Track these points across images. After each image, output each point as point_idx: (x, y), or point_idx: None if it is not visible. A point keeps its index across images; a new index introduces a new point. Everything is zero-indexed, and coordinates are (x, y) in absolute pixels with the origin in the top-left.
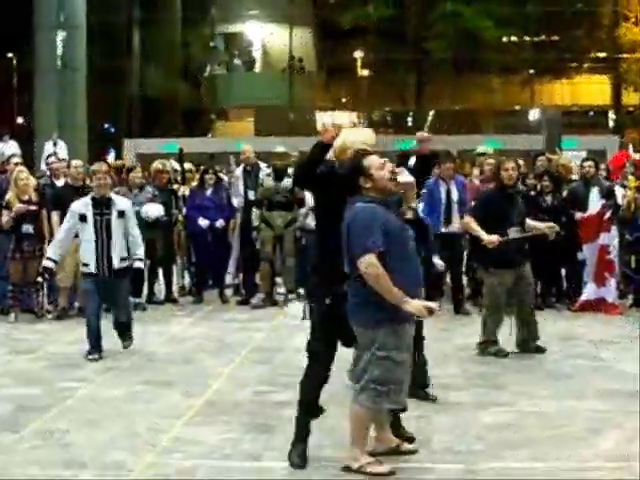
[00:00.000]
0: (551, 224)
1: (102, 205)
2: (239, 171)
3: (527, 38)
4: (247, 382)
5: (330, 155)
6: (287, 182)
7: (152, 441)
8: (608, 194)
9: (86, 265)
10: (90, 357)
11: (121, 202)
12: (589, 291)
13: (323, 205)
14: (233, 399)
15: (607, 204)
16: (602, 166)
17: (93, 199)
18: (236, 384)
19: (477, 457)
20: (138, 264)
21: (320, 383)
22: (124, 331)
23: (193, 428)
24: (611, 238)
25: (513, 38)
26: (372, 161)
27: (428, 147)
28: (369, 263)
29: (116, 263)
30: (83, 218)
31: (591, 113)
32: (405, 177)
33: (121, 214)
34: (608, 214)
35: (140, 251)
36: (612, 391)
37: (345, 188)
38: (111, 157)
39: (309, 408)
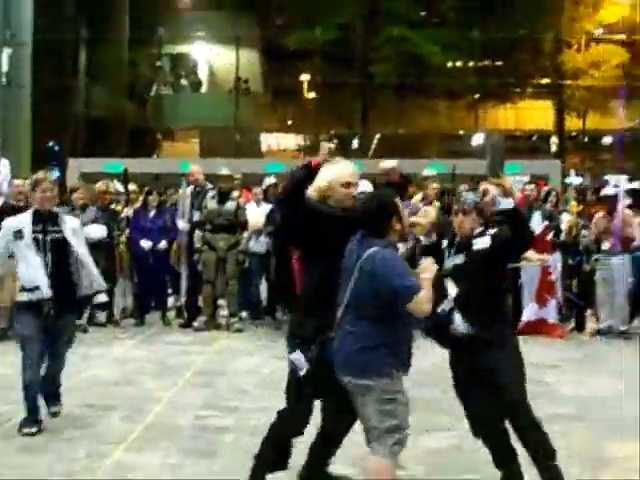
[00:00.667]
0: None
1: (46, 221)
2: (188, 192)
3: (472, 63)
4: (188, 406)
5: (311, 193)
6: (231, 204)
7: (91, 467)
8: (550, 217)
9: (25, 291)
10: (26, 430)
11: (71, 219)
12: (530, 312)
13: (312, 240)
14: (174, 423)
15: (549, 225)
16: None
17: (35, 213)
18: (177, 408)
19: None
20: (101, 298)
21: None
22: (55, 390)
23: (134, 453)
24: (554, 261)
25: (458, 63)
26: (400, 202)
27: (397, 174)
28: (420, 302)
29: (65, 292)
30: (19, 235)
31: (534, 138)
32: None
33: (73, 232)
34: (550, 235)
35: (101, 281)
36: (555, 415)
37: (357, 227)
38: (54, 176)
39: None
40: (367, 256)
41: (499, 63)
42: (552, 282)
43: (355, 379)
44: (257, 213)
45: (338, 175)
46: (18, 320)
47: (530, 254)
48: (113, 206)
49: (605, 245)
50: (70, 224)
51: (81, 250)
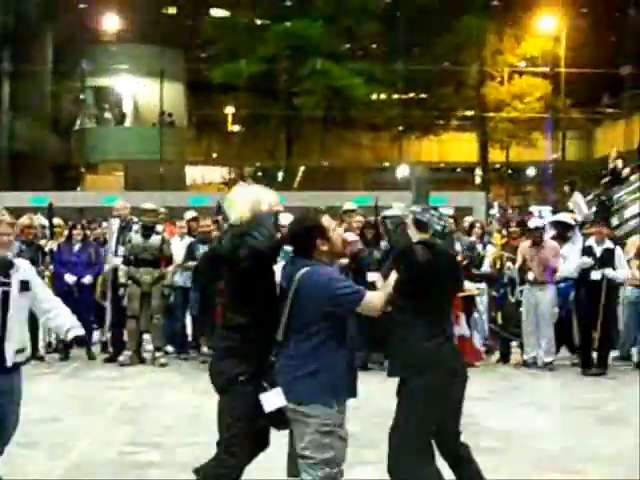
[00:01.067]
0: None
1: None
2: (115, 226)
3: (395, 96)
4: (113, 442)
5: (238, 214)
6: (155, 239)
7: None
8: (469, 249)
9: None
10: None
11: (25, 266)
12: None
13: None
14: (98, 460)
15: (467, 255)
16: (469, 220)
17: None
18: (102, 444)
19: None
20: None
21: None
22: None
23: None
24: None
25: (382, 96)
26: (329, 222)
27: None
28: (369, 302)
29: (10, 356)
30: None
31: (458, 170)
32: (351, 236)
33: (24, 286)
34: (465, 262)
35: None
36: (480, 448)
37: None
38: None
39: None
40: (299, 276)
41: (423, 95)
42: (459, 300)
43: (294, 406)
44: (181, 247)
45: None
46: None
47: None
48: (37, 241)
49: (530, 276)
50: (22, 273)
51: (40, 297)
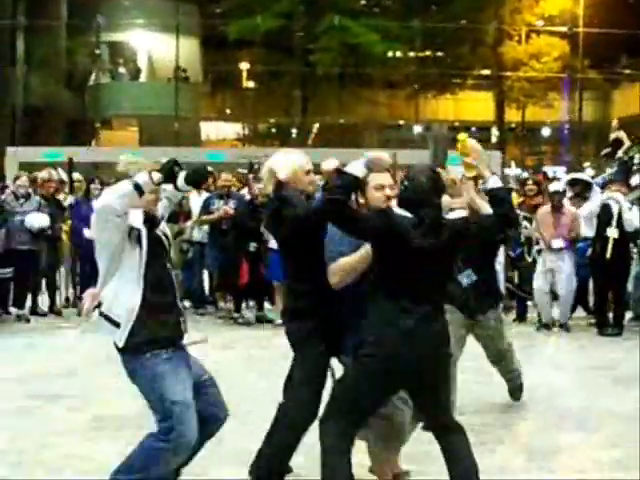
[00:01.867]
0: None
1: None
2: None
3: (412, 53)
4: (134, 395)
5: (285, 176)
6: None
7: (40, 457)
8: None
9: None
10: None
11: None
12: None
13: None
14: (122, 413)
15: None
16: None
17: None
18: (123, 398)
19: None
20: None
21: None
22: None
23: (81, 443)
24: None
25: (398, 53)
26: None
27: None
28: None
29: None
30: None
31: (474, 129)
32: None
33: None
34: None
35: None
36: (498, 405)
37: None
38: None
39: None
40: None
41: (439, 54)
42: None
43: None
44: (199, 202)
45: (299, 164)
46: None
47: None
48: (57, 195)
49: (552, 244)
50: None
51: None
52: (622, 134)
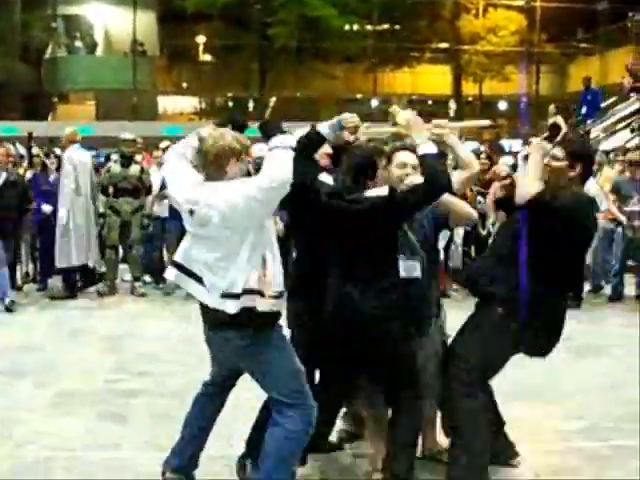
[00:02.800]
0: None
1: None
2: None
3: (369, 27)
4: (98, 370)
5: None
6: (134, 168)
7: (6, 433)
8: None
9: None
10: None
11: None
12: None
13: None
14: (85, 388)
15: None
16: None
17: None
18: (88, 373)
19: None
20: None
21: None
22: None
23: (48, 419)
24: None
25: (356, 27)
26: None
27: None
28: None
29: None
30: None
31: (431, 102)
32: None
33: None
34: None
35: None
36: None
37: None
38: None
39: None
40: None
41: (397, 27)
42: None
43: None
44: (159, 177)
45: None
46: None
47: None
48: (16, 170)
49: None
50: None
51: None
52: (559, 119)
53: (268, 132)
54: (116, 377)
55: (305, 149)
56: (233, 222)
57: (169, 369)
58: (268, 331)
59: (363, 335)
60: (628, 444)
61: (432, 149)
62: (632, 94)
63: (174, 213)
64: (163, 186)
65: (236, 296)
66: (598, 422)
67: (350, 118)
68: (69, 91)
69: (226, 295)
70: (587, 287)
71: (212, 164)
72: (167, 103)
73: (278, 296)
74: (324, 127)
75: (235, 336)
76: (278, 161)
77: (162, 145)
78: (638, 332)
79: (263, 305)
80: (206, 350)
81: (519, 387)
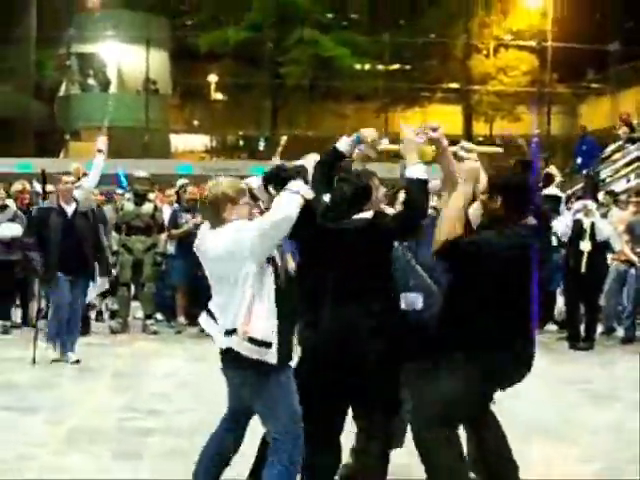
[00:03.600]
0: None
1: None
2: None
3: (381, 67)
4: (110, 408)
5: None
6: (148, 206)
7: (17, 469)
8: None
9: None
10: None
11: None
12: None
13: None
14: (97, 426)
15: None
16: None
17: None
18: (99, 411)
19: None
20: None
21: None
22: None
23: (60, 456)
24: None
25: (367, 66)
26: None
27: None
28: None
29: None
30: None
31: None
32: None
33: None
34: None
35: None
36: None
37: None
38: None
39: None
40: None
41: (408, 67)
42: None
43: None
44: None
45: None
46: None
47: None
48: (31, 207)
49: None
50: None
51: None
52: (553, 169)
53: (280, 179)
54: (128, 415)
55: (322, 166)
56: (236, 258)
57: (180, 407)
58: (266, 369)
59: (350, 355)
60: None
61: (418, 173)
62: (628, 145)
63: (182, 254)
64: (170, 225)
65: (229, 333)
66: (613, 464)
67: (368, 133)
68: (81, 128)
69: (226, 332)
70: (600, 329)
71: (208, 211)
72: (179, 141)
73: (260, 343)
74: (342, 144)
75: (234, 374)
76: (282, 205)
77: (179, 183)
78: None
79: (241, 347)
80: (218, 388)
81: (531, 429)
